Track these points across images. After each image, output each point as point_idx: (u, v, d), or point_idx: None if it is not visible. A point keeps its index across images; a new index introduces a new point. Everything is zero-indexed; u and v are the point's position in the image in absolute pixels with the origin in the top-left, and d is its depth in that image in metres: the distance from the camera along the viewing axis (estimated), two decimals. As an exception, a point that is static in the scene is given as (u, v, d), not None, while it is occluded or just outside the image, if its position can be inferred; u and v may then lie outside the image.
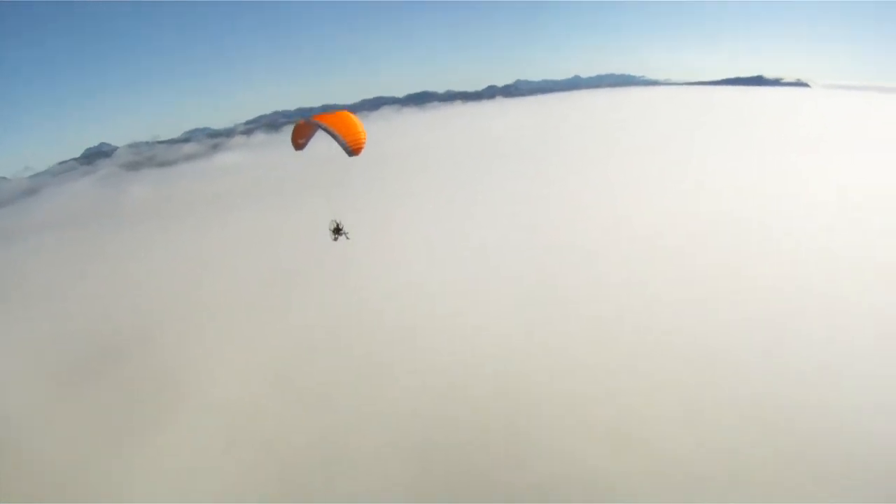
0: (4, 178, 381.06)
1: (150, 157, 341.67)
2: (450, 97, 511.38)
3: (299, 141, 26.32)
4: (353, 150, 23.22)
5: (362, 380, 46.90)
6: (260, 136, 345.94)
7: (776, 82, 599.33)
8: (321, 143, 25.57)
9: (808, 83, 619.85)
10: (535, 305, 56.80)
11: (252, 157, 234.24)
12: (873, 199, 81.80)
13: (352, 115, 24.45)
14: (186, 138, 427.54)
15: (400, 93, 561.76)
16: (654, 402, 39.74)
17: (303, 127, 25.76)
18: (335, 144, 24.50)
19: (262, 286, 70.82)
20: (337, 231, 27.44)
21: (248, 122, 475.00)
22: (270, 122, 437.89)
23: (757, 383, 40.28)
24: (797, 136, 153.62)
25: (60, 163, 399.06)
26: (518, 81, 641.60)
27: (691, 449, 35.10)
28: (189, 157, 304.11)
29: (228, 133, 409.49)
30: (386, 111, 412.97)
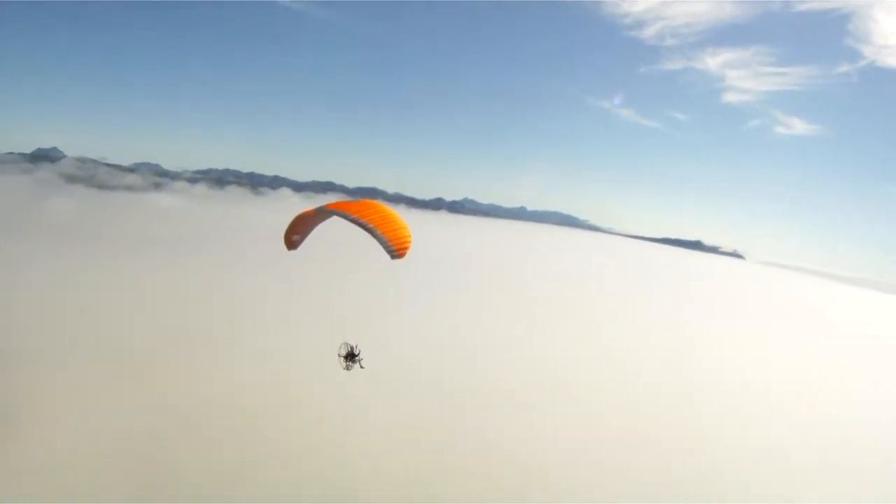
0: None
1: (92, 175, 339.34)
2: (397, 199, 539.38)
3: (293, 237, 21.57)
4: (398, 253, 19.54)
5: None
6: (202, 188, 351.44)
7: (714, 250, 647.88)
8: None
9: (744, 255, 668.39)
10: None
11: (187, 207, 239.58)
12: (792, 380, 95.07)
13: (387, 207, 20.43)
14: (133, 168, 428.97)
15: (350, 183, 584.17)
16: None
17: (305, 219, 21.12)
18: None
19: (147, 345, 65.87)
20: (350, 357, 23.01)
21: (196, 171, 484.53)
22: (218, 178, 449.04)
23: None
24: (729, 308, 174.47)
25: (9, 153, 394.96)
26: (466, 200, 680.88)
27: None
28: (129, 188, 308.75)
29: (174, 176, 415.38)
30: (333, 198, 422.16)
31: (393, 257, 19.44)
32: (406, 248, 19.48)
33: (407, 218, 20.66)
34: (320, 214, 20.58)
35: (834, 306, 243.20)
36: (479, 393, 65.98)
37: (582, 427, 61.49)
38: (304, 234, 21.51)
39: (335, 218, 20.65)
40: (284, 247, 21.60)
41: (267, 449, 47.99)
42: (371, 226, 19.20)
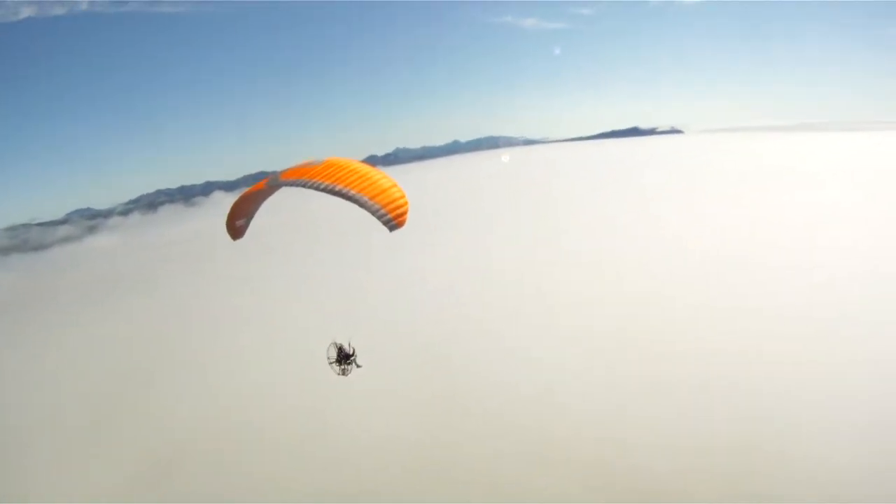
0: None
1: (24, 240, 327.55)
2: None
3: (237, 222, 17.90)
4: (397, 222, 15.36)
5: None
6: (136, 218, 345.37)
7: (651, 132, 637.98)
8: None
9: (683, 130, 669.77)
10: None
11: (122, 242, 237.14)
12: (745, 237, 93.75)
13: (361, 163, 16.11)
14: (65, 219, 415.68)
15: (281, 166, 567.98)
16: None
17: (249, 198, 17.41)
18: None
19: (132, 388, 65.02)
20: (343, 359, 18.64)
21: (128, 202, 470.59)
22: (151, 202, 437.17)
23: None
24: (669, 182, 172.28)
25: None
26: (398, 150, 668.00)
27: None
28: (63, 240, 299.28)
29: (107, 214, 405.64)
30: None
31: (392, 228, 15.34)
32: (405, 214, 15.43)
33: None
34: (270, 189, 16.67)
35: (783, 155, 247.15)
36: (486, 351, 63.84)
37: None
38: (249, 217, 17.84)
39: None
40: (229, 237, 18.24)
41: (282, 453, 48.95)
42: (354, 193, 15.04)
